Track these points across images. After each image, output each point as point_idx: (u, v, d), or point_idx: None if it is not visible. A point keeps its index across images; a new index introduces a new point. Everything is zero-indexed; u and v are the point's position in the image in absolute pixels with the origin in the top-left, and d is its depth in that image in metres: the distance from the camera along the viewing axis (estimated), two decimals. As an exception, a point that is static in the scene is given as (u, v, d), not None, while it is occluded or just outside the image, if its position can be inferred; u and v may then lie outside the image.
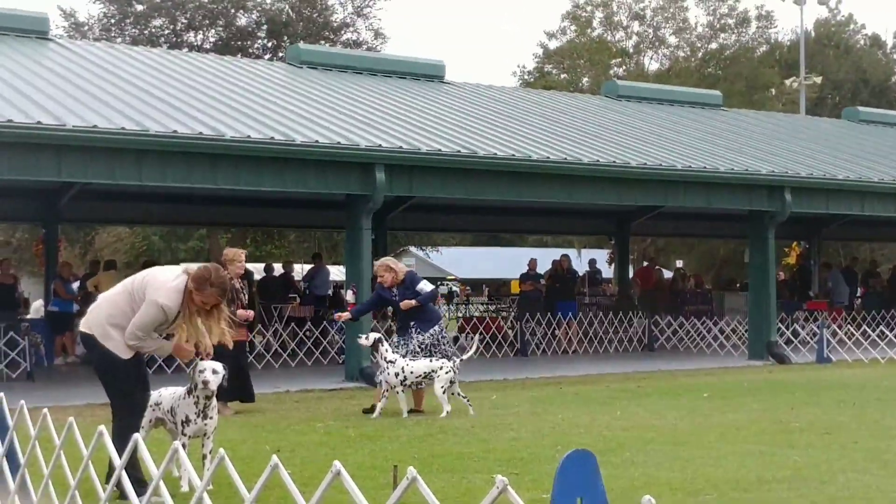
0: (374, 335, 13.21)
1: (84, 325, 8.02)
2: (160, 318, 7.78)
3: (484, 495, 3.65)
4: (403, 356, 13.09)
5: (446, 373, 12.80)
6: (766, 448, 10.19)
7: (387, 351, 12.92)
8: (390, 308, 15.54)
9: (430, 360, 12.97)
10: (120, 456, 5.54)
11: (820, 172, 22.73)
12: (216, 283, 7.86)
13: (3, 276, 21.46)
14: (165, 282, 7.84)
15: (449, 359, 13.10)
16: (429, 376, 12.81)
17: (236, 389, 12.94)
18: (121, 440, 6.94)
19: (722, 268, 36.67)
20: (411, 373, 12.78)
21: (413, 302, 13.33)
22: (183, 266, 8.20)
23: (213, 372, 8.24)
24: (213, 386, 8.22)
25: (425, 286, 13.68)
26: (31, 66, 18.69)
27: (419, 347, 13.29)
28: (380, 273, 13.63)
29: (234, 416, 12.80)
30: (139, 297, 7.81)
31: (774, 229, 22.18)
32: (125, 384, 7.96)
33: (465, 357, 13.42)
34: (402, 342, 13.43)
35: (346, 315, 14.36)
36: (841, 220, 30.15)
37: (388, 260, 14.09)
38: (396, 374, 12.76)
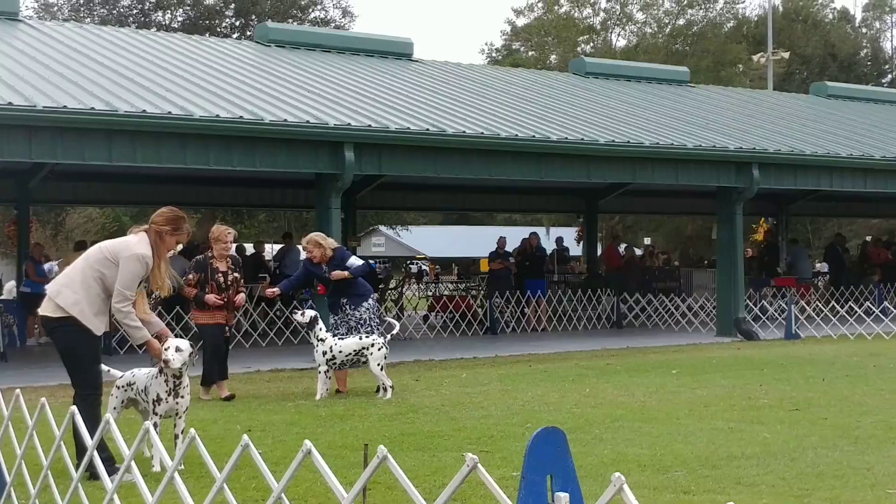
0: (310, 312, 12.93)
1: (49, 309, 8.01)
2: (141, 271, 7.98)
3: (454, 473, 3.69)
4: (344, 335, 12.98)
5: (379, 349, 12.58)
6: (735, 424, 10.29)
7: (320, 329, 12.72)
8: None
9: (360, 338, 12.77)
10: (91, 431, 5.57)
11: (788, 148, 22.87)
12: (187, 221, 8.36)
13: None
14: (131, 240, 8.12)
15: (380, 335, 13.00)
16: (360, 354, 12.59)
17: (219, 372, 12.95)
18: (92, 417, 7.33)
19: (688, 244, 36.80)
20: (340, 352, 12.58)
21: (345, 273, 13.15)
22: (130, 233, 8.38)
23: (176, 350, 8.26)
24: (176, 364, 8.24)
25: (356, 261, 13.57)
26: (2, 48, 18.55)
27: (358, 323, 13.19)
28: (309, 249, 13.45)
29: (209, 399, 12.78)
30: (112, 264, 7.94)
31: (742, 205, 22.31)
32: (95, 361, 8.09)
33: (392, 333, 13.37)
34: (339, 321, 13.28)
35: (276, 290, 14.10)
36: (809, 195, 30.34)
37: (316, 235, 13.74)
38: (324, 353, 12.58)
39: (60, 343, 8.05)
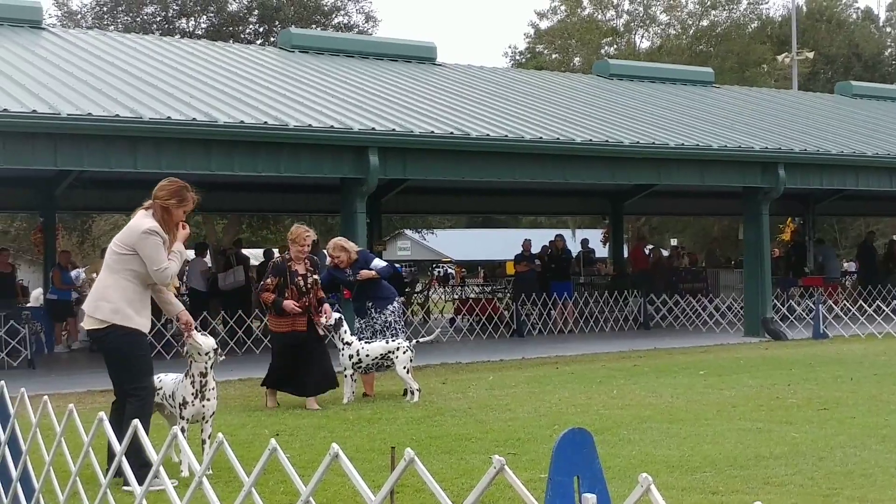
0: (335, 315, 12.81)
1: (92, 323, 7.90)
2: (159, 240, 7.90)
3: (482, 476, 3.68)
4: (370, 338, 12.96)
5: (404, 352, 12.61)
6: (763, 425, 10.23)
7: (345, 332, 12.70)
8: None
9: (386, 342, 12.78)
10: (131, 440, 5.53)
11: (813, 148, 22.76)
12: (191, 189, 8.18)
13: (1, 265, 21.53)
14: (134, 222, 8.02)
15: (406, 338, 12.99)
16: (386, 358, 12.61)
17: (322, 382, 12.35)
18: (147, 420, 7.43)
19: (715, 245, 36.66)
20: (367, 355, 12.58)
21: (372, 273, 13.12)
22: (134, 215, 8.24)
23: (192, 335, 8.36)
24: (206, 345, 8.33)
25: (380, 263, 13.53)
26: (26, 56, 18.67)
27: (384, 326, 13.15)
28: (335, 254, 13.30)
29: (317, 409, 12.09)
30: (132, 255, 7.88)
31: (769, 205, 22.22)
32: (146, 364, 8.02)
33: (422, 340, 13.37)
34: (365, 324, 13.25)
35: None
36: (835, 195, 30.18)
37: (340, 240, 13.64)
38: (350, 357, 12.54)
39: (109, 349, 7.95)
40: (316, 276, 12.48)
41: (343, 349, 12.64)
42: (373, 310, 13.26)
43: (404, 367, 12.60)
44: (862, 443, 9.13)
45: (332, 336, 12.77)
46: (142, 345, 8.00)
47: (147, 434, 5.69)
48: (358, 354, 12.60)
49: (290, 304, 12.17)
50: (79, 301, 22.37)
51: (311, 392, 12.24)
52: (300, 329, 12.30)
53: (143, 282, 7.92)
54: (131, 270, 7.88)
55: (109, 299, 7.84)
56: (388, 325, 13.21)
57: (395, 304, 13.47)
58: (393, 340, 12.82)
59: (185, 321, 8.26)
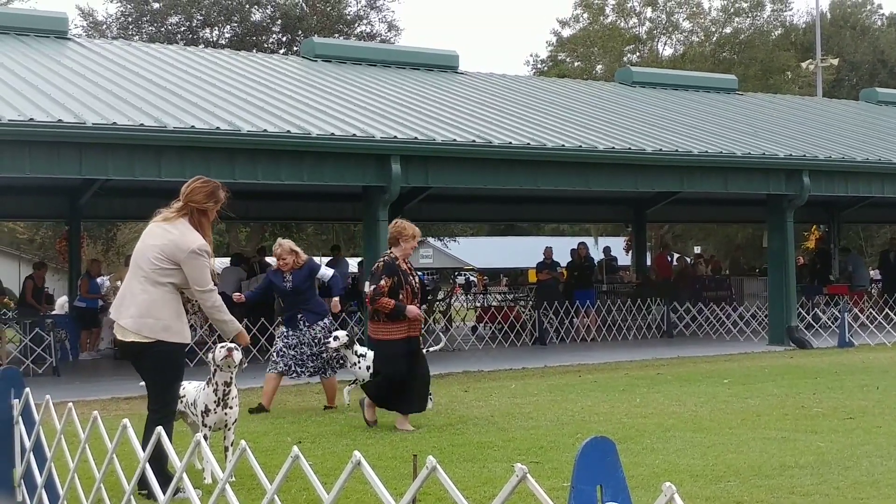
0: (343, 333, 12.76)
1: (135, 336, 7.58)
2: (207, 261, 7.63)
3: (504, 484, 3.68)
4: (296, 351, 12.86)
5: None
6: (788, 434, 10.18)
7: (359, 345, 12.69)
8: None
9: None
10: (156, 449, 5.50)
11: (838, 155, 22.65)
12: (222, 187, 7.86)
13: (38, 281, 21.73)
14: (177, 236, 7.65)
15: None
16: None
17: (419, 399, 11.32)
18: (169, 434, 7.00)
19: (739, 253, 36.50)
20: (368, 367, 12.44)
21: (338, 307, 13.20)
22: (161, 217, 7.91)
23: (232, 349, 8.35)
24: (236, 359, 8.33)
25: (327, 271, 13.37)
26: (51, 66, 18.80)
27: (311, 341, 12.94)
28: (282, 256, 12.93)
29: (411, 428, 11.09)
30: (175, 269, 7.60)
31: (793, 213, 22.12)
32: (179, 373, 7.82)
33: (431, 349, 13.34)
34: (293, 336, 12.98)
35: (240, 296, 13.44)
36: (860, 202, 30.02)
37: (290, 242, 13.21)
38: (368, 368, 12.34)
39: (153, 361, 7.63)
40: (418, 277, 11.78)
41: (359, 361, 12.52)
42: (302, 322, 13.09)
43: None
44: (888, 452, 9.07)
45: (343, 353, 12.64)
46: (183, 356, 7.86)
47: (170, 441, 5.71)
48: (375, 365, 12.51)
49: (413, 308, 11.14)
50: (103, 309, 22.54)
51: (416, 408, 11.23)
52: (415, 334, 11.27)
53: (180, 290, 7.73)
54: (173, 283, 7.63)
55: (158, 316, 7.57)
56: (316, 340, 12.94)
57: (326, 321, 13.18)
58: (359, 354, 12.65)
59: (244, 344, 8.14)
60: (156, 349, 7.56)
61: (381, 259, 11.36)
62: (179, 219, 7.73)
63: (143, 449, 5.56)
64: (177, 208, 7.80)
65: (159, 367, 7.65)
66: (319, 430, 11.14)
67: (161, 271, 7.61)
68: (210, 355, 8.39)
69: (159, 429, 5.28)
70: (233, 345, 8.32)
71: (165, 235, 7.69)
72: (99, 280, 23.19)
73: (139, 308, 7.59)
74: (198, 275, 7.60)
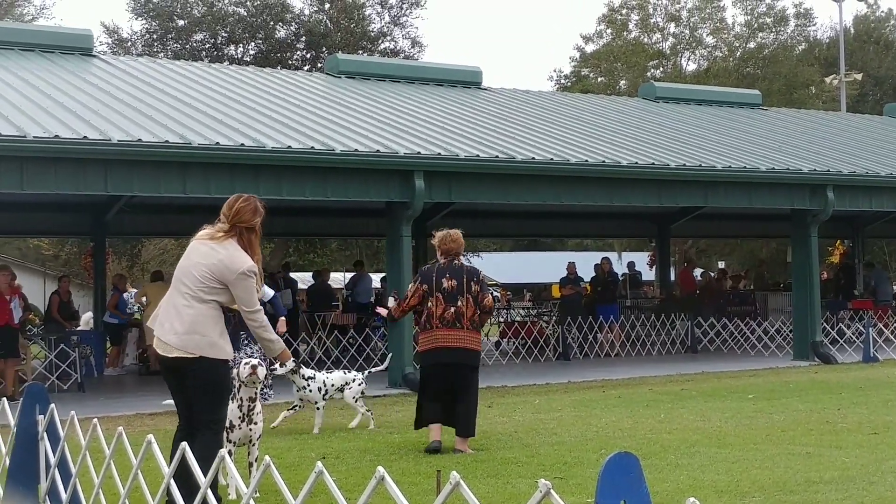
0: (289, 363, 12.77)
1: (179, 352, 7.47)
2: (254, 281, 7.63)
3: (528, 500, 3.68)
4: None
5: (358, 384, 12.61)
6: (812, 449, 10.14)
7: (305, 369, 12.61)
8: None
9: (344, 372, 12.74)
10: (206, 470, 5.46)
11: (862, 170, 22.56)
12: (260, 200, 7.89)
13: (63, 294, 21.89)
14: (226, 258, 7.60)
15: (360, 370, 13.04)
16: (341, 389, 12.54)
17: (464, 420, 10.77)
18: (212, 452, 6.54)
19: (763, 268, 36.38)
20: (332, 385, 12.43)
21: (283, 323, 13.25)
22: (207, 236, 7.81)
23: (256, 366, 8.39)
24: (261, 375, 8.36)
25: (269, 291, 13.23)
26: (77, 83, 18.94)
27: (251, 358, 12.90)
28: None
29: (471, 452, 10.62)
30: (222, 289, 7.56)
31: (817, 228, 22.03)
32: (227, 391, 7.76)
33: (374, 370, 13.34)
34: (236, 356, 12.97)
35: None
36: (884, 217, 29.88)
37: None
38: (320, 390, 12.32)
39: (197, 379, 7.50)
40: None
41: (309, 384, 12.32)
42: (243, 342, 13.08)
43: (354, 397, 12.60)
44: (914, 468, 9.02)
45: (290, 377, 12.23)
46: (229, 374, 7.81)
47: (211, 463, 5.69)
48: (325, 385, 12.44)
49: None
50: (130, 325, 22.67)
51: (460, 430, 10.77)
52: (447, 345, 10.83)
53: (223, 307, 7.71)
54: (218, 301, 7.60)
55: (204, 333, 7.49)
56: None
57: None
58: (350, 372, 12.78)
59: (286, 358, 8.12)
60: (200, 366, 7.48)
61: (439, 265, 11.04)
62: (228, 239, 7.70)
63: (171, 462, 5.59)
64: (224, 229, 7.76)
65: (206, 384, 7.54)
66: (343, 445, 11.16)
67: (207, 289, 7.58)
68: (234, 371, 8.41)
69: (223, 452, 5.26)
70: (256, 361, 8.36)
71: (215, 255, 7.65)
72: (125, 295, 23.32)
73: (185, 324, 7.52)
74: (246, 296, 7.61)
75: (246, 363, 8.40)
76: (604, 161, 19.27)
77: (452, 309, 10.66)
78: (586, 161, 19.02)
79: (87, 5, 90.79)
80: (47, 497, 6.94)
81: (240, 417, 8.43)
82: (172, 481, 5.35)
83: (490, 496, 8.07)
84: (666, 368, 20.09)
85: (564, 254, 49.84)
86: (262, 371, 8.39)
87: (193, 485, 5.30)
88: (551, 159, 18.68)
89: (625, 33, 54.44)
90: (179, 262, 7.84)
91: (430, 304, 10.70)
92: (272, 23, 41.22)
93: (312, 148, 16.60)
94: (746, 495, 8.04)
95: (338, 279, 48.09)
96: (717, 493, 8.11)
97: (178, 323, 7.51)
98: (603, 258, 26.66)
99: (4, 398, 8.08)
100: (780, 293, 29.10)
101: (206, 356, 7.46)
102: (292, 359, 8.25)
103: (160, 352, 7.60)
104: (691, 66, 54.83)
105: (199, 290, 7.56)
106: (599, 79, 54.97)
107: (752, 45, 54.87)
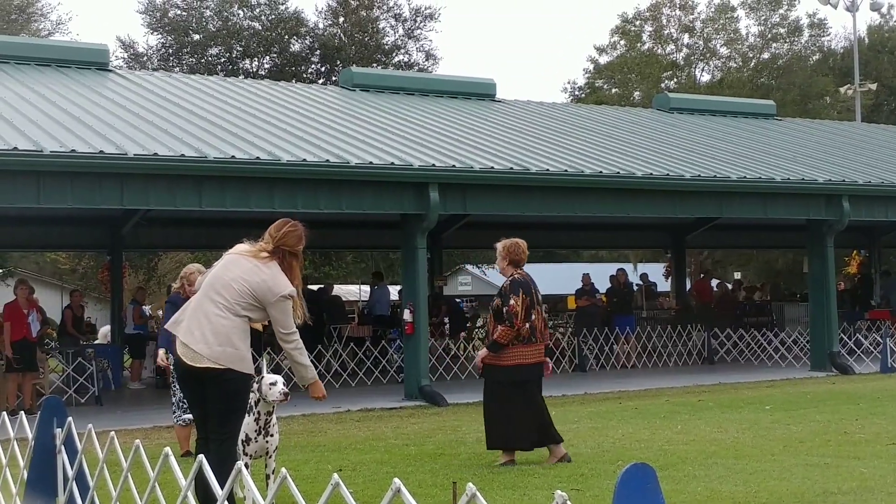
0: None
1: (209, 363, 7.43)
2: (290, 304, 7.66)
3: (544, 510, 3.69)
4: None
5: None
6: (830, 460, 10.10)
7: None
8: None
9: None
10: (223, 479, 5.49)
11: (878, 180, 22.51)
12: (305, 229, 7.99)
13: (75, 308, 21.98)
14: (269, 279, 7.63)
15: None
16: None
17: (546, 432, 10.58)
18: (226, 464, 6.80)
19: (779, 278, 36.28)
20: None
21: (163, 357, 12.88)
22: (250, 253, 7.83)
23: (274, 383, 8.35)
24: (279, 391, 8.32)
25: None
26: (93, 97, 19.03)
27: None
28: (194, 280, 11.22)
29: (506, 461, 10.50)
30: (258, 308, 7.58)
31: (833, 238, 21.97)
32: (245, 404, 7.83)
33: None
34: None
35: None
36: (901, 227, 29.78)
37: (200, 266, 11.96)
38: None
39: (222, 390, 7.48)
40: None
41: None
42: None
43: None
44: (932, 478, 8.98)
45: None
46: (249, 390, 7.86)
47: (226, 473, 5.71)
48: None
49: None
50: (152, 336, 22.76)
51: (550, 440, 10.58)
52: (526, 361, 10.62)
53: (250, 322, 7.73)
54: (251, 318, 7.63)
55: (237, 346, 7.51)
56: None
57: None
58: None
59: (319, 396, 7.97)
60: (227, 377, 7.48)
61: (515, 277, 11.01)
62: (272, 261, 7.75)
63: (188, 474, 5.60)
64: (268, 249, 7.82)
65: (230, 396, 7.55)
66: (360, 458, 11.16)
67: (245, 305, 7.58)
68: (255, 385, 8.39)
69: (239, 464, 5.29)
70: (278, 377, 8.34)
71: (258, 274, 7.66)
72: (144, 308, 23.43)
73: (218, 336, 7.50)
74: (283, 318, 7.63)
75: (272, 383, 8.32)
76: (618, 172, 19.26)
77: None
78: (601, 172, 19.02)
79: (102, 20, 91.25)
80: (65, 510, 6.96)
81: (256, 430, 8.43)
82: (190, 495, 5.37)
83: (507, 508, 8.07)
84: (683, 380, 20.05)
85: (579, 265, 49.79)
86: (282, 389, 8.33)
87: (210, 497, 5.32)
88: (566, 171, 18.68)
89: (638, 45, 54.42)
90: (213, 272, 7.80)
91: (533, 316, 10.60)
92: (287, 37, 41.34)
93: (327, 161, 16.64)
94: (764, 506, 8.02)
95: (353, 291, 48.16)
96: (735, 505, 8.09)
97: (211, 333, 7.49)
98: (619, 269, 26.62)
99: (23, 411, 8.12)
100: (797, 303, 29.01)
101: (234, 369, 7.47)
102: (324, 394, 7.99)
103: (186, 360, 7.52)
104: (705, 77, 54.78)
105: (235, 304, 7.56)
106: (613, 90, 54.93)
107: (766, 55, 54.79)
